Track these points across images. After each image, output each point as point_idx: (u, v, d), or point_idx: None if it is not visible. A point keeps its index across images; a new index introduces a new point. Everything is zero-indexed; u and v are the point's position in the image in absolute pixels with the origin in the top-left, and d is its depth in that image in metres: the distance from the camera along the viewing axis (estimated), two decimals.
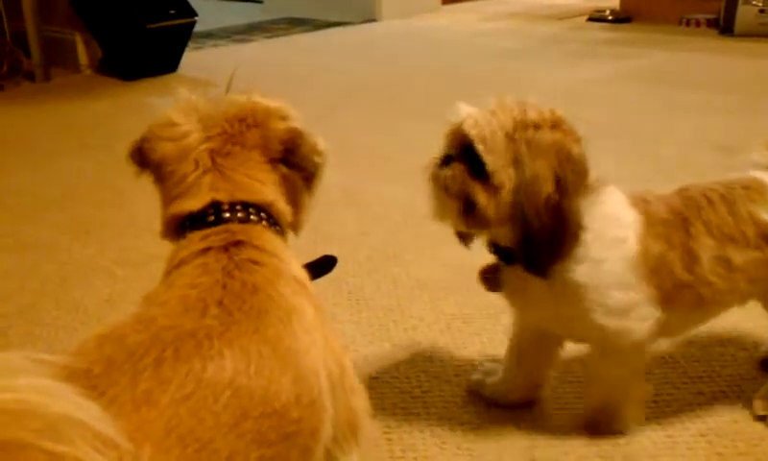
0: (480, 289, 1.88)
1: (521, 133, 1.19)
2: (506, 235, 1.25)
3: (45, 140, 3.33)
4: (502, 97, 1.25)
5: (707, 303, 1.31)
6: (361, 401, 1.04)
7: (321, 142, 1.09)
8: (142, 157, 1.06)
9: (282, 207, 1.04)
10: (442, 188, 1.26)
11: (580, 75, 3.96)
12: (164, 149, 1.02)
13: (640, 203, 1.29)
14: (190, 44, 4.55)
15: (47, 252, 2.22)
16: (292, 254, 1.02)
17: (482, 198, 1.21)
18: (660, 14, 5.27)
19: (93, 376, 0.73)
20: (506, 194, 1.19)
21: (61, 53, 4.44)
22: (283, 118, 1.06)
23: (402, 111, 3.48)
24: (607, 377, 1.36)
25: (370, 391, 1.52)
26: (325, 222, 2.34)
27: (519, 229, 1.20)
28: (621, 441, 1.36)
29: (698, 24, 5.08)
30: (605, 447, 1.35)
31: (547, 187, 1.17)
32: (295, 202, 1.08)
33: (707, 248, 1.27)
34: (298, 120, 1.07)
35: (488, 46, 4.85)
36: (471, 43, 5.00)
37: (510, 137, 1.19)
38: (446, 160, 1.27)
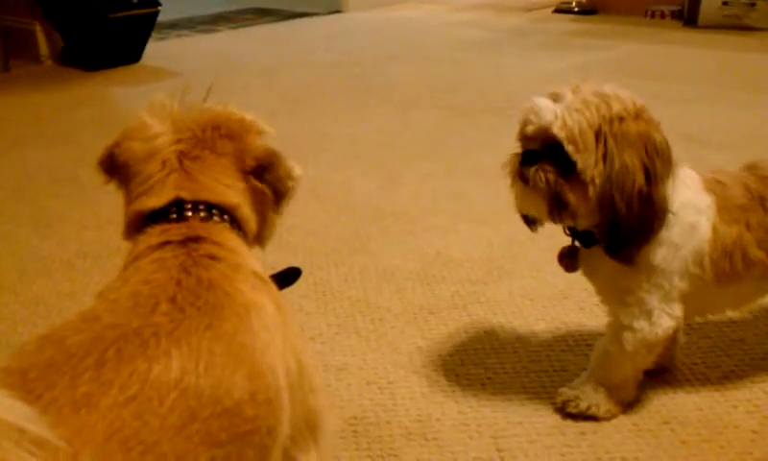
0: (447, 280, 1.89)
1: (607, 127, 1.21)
2: (585, 221, 1.28)
3: (4, 131, 3.26)
4: (579, 88, 1.25)
5: None
6: (321, 400, 1.01)
7: (296, 169, 1.09)
8: (111, 164, 1.04)
9: (247, 213, 1.02)
10: (530, 187, 1.27)
11: (546, 66, 3.97)
12: (132, 148, 1.00)
13: (716, 185, 1.32)
14: (154, 34, 4.48)
15: (5, 244, 2.17)
16: (252, 253, 1.00)
17: (572, 197, 1.23)
18: (626, 6, 5.31)
19: (30, 379, 0.70)
20: (595, 188, 1.22)
21: (21, 43, 4.35)
22: (259, 133, 1.05)
23: (369, 103, 3.46)
24: (611, 363, 1.37)
25: (336, 382, 1.52)
26: (291, 214, 2.30)
27: (607, 219, 1.23)
28: (587, 428, 1.36)
29: (663, 16, 5.12)
30: (570, 435, 1.35)
31: (638, 178, 1.20)
32: (261, 215, 1.06)
33: None
34: (270, 137, 1.07)
35: (456, 37, 4.84)
36: (439, 34, 4.98)
37: (597, 133, 1.21)
38: (530, 157, 1.26)
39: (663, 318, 1.31)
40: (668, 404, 1.42)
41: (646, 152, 1.21)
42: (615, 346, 1.36)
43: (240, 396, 0.79)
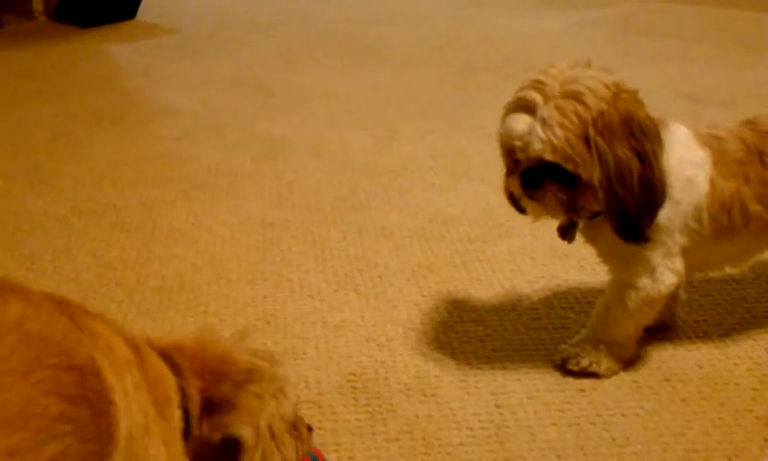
0: (446, 238, 1.87)
1: (592, 129, 1.18)
2: (597, 208, 1.27)
3: None
4: (548, 88, 1.20)
5: None
6: None
7: None
8: None
9: (192, 392, 0.91)
10: (543, 205, 1.26)
11: (546, 24, 3.92)
12: None
13: (712, 140, 1.31)
14: None
15: (1, 199, 2.15)
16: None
17: (584, 202, 1.24)
18: None
19: None
20: (602, 187, 1.21)
21: None
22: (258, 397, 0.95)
23: (367, 60, 3.42)
24: (613, 321, 1.37)
25: (334, 339, 1.51)
26: (290, 171, 2.29)
27: (615, 210, 1.22)
28: (587, 385, 1.36)
29: None
30: (570, 391, 1.35)
31: (634, 166, 1.19)
32: None
33: None
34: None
35: None
36: None
37: (586, 139, 1.18)
38: (532, 178, 1.24)
39: (666, 274, 1.30)
40: (669, 361, 1.41)
41: (634, 137, 1.20)
42: (617, 303, 1.35)
43: (86, 362, 0.69)
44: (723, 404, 1.30)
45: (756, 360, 1.40)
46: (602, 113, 1.18)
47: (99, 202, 2.11)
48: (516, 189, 1.27)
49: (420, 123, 2.63)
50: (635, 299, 1.32)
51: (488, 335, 1.50)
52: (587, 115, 1.18)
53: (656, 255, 1.29)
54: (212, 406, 0.92)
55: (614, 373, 1.39)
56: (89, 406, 0.67)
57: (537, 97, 1.20)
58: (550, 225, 1.37)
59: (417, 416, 1.30)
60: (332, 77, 3.21)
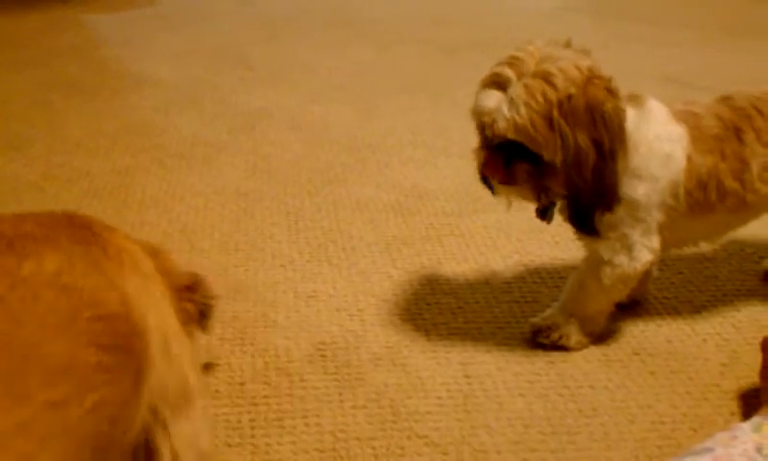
0: (421, 212, 1.86)
1: (557, 111, 1.17)
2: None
3: None
4: (523, 65, 1.20)
5: (748, 208, 1.34)
6: (192, 375, 0.91)
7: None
8: None
9: None
10: (511, 185, 1.26)
11: (524, 4, 3.90)
12: None
13: (689, 116, 1.30)
14: None
15: None
16: None
17: (551, 182, 1.23)
18: None
19: None
20: (561, 169, 1.20)
21: None
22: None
23: (350, 35, 3.39)
24: (586, 296, 1.36)
25: (305, 308, 1.50)
26: (267, 144, 2.27)
27: (570, 194, 1.23)
28: (556, 358, 1.36)
29: None
30: (539, 364, 1.34)
31: (590, 155, 1.18)
32: None
33: (758, 155, 1.30)
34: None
35: None
36: None
37: (549, 120, 1.17)
38: (496, 149, 1.24)
39: (643, 252, 1.30)
40: (638, 337, 1.41)
41: (595, 126, 1.18)
42: (592, 279, 1.34)
43: (116, 310, 0.73)
44: (691, 378, 1.31)
45: (725, 336, 1.41)
46: (569, 97, 1.17)
47: (72, 169, 2.09)
48: (481, 161, 1.27)
49: (401, 99, 2.62)
50: (610, 275, 1.32)
51: (459, 307, 1.50)
52: (553, 96, 1.17)
53: (634, 233, 1.29)
54: None
55: (584, 346, 1.39)
56: (123, 352, 0.71)
57: (510, 74, 1.20)
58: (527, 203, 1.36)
59: (385, 385, 1.29)
60: (315, 52, 3.18)
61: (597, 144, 1.18)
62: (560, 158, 1.18)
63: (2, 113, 2.52)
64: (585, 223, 1.25)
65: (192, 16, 3.72)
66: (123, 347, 0.72)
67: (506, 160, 1.23)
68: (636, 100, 1.28)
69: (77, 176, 2.04)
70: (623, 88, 1.25)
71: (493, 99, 1.20)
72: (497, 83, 1.21)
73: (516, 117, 1.17)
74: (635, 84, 1.24)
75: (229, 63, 3.03)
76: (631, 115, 1.24)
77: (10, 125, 2.41)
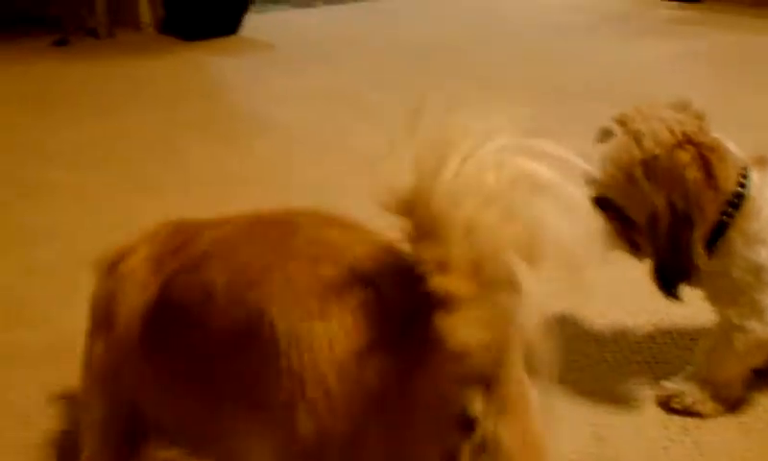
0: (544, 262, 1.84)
1: (639, 170, 1.20)
2: None
3: (108, 95, 3.35)
4: (628, 120, 1.24)
5: None
6: None
7: None
8: None
9: None
10: (607, 233, 1.30)
11: (641, 53, 3.84)
12: None
13: None
14: (251, 8, 4.53)
15: (108, 202, 2.24)
16: None
17: (638, 236, 1.27)
18: None
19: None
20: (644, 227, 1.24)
21: (125, 11, 4.46)
22: None
23: (459, 76, 3.42)
24: (720, 362, 1.33)
25: None
26: None
27: (650, 253, 1.26)
28: (690, 424, 1.32)
29: None
30: (673, 429, 1.31)
31: (665, 218, 1.20)
32: None
33: None
34: None
35: (547, 18, 4.72)
36: (530, 14, 4.88)
37: (630, 178, 1.21)
38: (601, 205, 1.28)
39: None
40: None
41: (674, 192, 1.19)
42: (724, 344, 1.31)
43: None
44: None
45: None
46: (654, 157, 1.19)
47: (200, 208, 2.17)
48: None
49: None
50: (743, 341, 1.28)
51: (588, 365, 1.48)
52: (637, 155, 1.20)
53: (764, 297, 1.25)
54: None
55: (719, 414, 1.35)
56: None
57: (614, 130, 1.24)
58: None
59: None
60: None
61: (673, 207, 1.19)
62: (641, 216, 1.21)
63: (133, 153, 2.66)
64: (665, 286, 1.26)
65: (309, 59, 3.83)
66: None
67: (604, 208, 1.27)
68: (762, 162, 1.26)
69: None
70: (746, 145, 1.25)
71: (595, 152, 1.26)
72: (603, 137, 1.26)
73: (601, 173, 1.23)
74: (756, 136, 1.22)
75: (344, 106, 3.09)
76: (755, 178, 1.22)
77: (140, 164, 2.54)
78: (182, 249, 0.89)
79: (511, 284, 0.62)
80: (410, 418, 0.65)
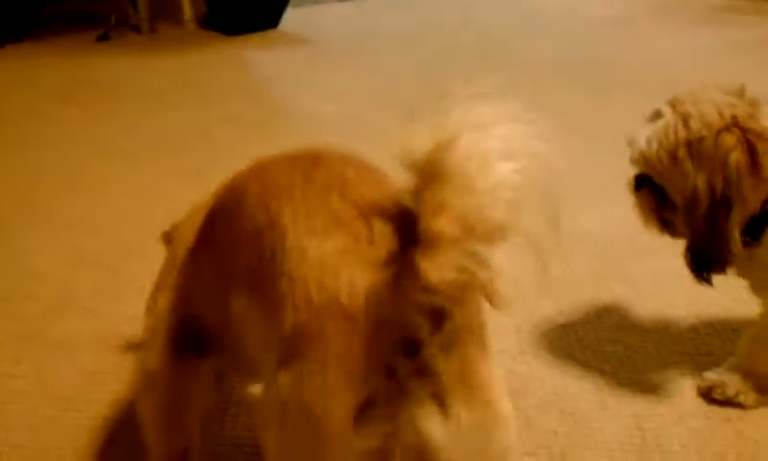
0: (586, 254, 1.84)
1: (684, 151, 1.20)
2: None
3: (150, 89, 3.40)
4: (679, 102, 1.24)
5: None
6: None
7: None
8: None
9: None
10: (640, 210, 1.33)
11: (686, 44, 3.79)
12: None
13: None
14: (291, 2, 4.56)
15: (152, 194, 2.28)
16: None
17: (672, 216, 1.27)
18: None
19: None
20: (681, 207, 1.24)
21: (167, 7, 4.53)
22: None
23: (504, 68, 3.39)
24: (763, 353, 1.33)
25: None
26: None
27: (688, 236, 1.25)
28: (732, 415, 1.31)
29: None
30: (715, 420, 1.31)
31: (705, 199, 1.19)
32: None
33: None
34: None
35: (587, 11, 4.67)
36: (572, 4, 4.83)
37: (674, 158, 1.21)
38: (639, 182, 1.32)
39: None
40: None
41: (716, 174, 1.18)
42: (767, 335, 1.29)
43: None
44: None
45: None
46: (700, 139, 1.19)
47: None
48: (630, 189, 1.34)
49: (557, 138, 2.59)
50: None
51: (628, 357, 1.47)
52: (683, 135, 1.20)
53: None
54: None
55: (762, 405, 1.33)
56: None
57: (665, 111, 1.25)
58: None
59: (554, 432, 1.29)
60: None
61: (713, 190, 1.18)
62: (680, 197, 1.21)
63: (176, 145, 2.70)
64: (697, 268, 1.25)
65: (349, 54, 3.84)
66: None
67: (639, 185, 1.31)
68: None
69: None
70: None
71: (641, 132, 1.26)
72: (653, 118, 1.27)
73: (646, 150, 1.23)
74: None
75: (386, 104, 3.09)
76: None
77: (182, 157, 2.58)
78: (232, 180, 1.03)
79: (490, 238, 0.69)
80: (368, 330, 0.74)
